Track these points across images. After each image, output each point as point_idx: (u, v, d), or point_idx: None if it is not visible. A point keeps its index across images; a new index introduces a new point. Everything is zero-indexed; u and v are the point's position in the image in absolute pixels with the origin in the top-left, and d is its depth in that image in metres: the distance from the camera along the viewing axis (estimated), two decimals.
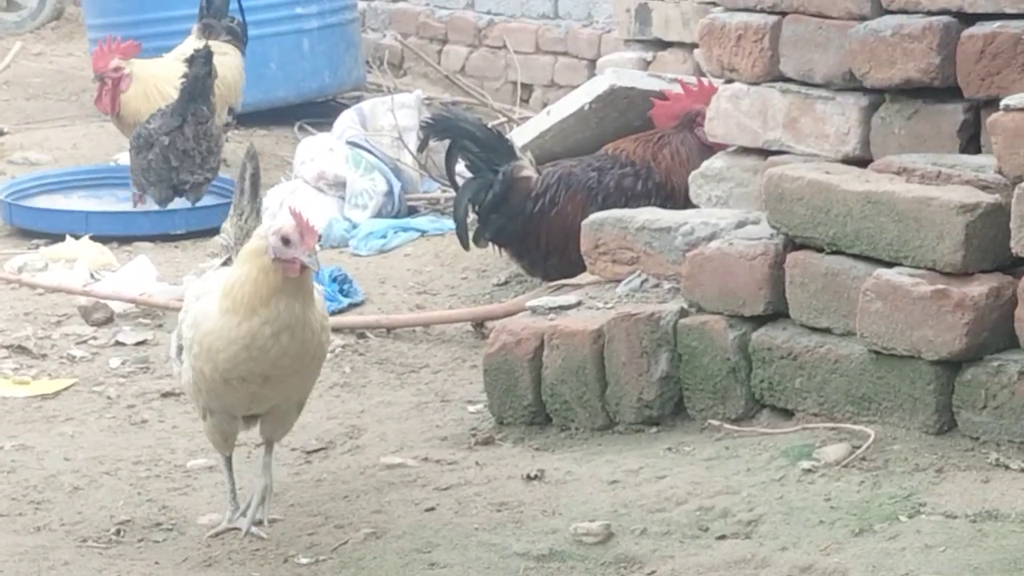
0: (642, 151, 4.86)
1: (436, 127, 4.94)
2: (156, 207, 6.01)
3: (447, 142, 4.96)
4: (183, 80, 5.97)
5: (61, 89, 7.96)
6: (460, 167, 5.00)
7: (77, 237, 5.71)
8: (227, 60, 6.37)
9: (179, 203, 6.05)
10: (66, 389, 4.48)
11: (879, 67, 3.88)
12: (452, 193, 5.25)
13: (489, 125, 6.18)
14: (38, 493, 3.78)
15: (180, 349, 3.49)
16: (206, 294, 3.42)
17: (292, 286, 3.29)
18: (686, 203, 4.44)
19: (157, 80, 6.23)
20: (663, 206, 4.45)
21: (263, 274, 3.28)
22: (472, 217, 4.93)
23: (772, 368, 3.69)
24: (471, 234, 4.90)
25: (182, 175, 5.97)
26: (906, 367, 3.48)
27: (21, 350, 4.73)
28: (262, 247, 3.29)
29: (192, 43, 6.34)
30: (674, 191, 4.77)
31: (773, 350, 3.69)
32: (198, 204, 6.06)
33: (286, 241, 3.26)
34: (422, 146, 5.29)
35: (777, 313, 3.73)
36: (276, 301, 3.28)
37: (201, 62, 5.96)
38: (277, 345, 3.29)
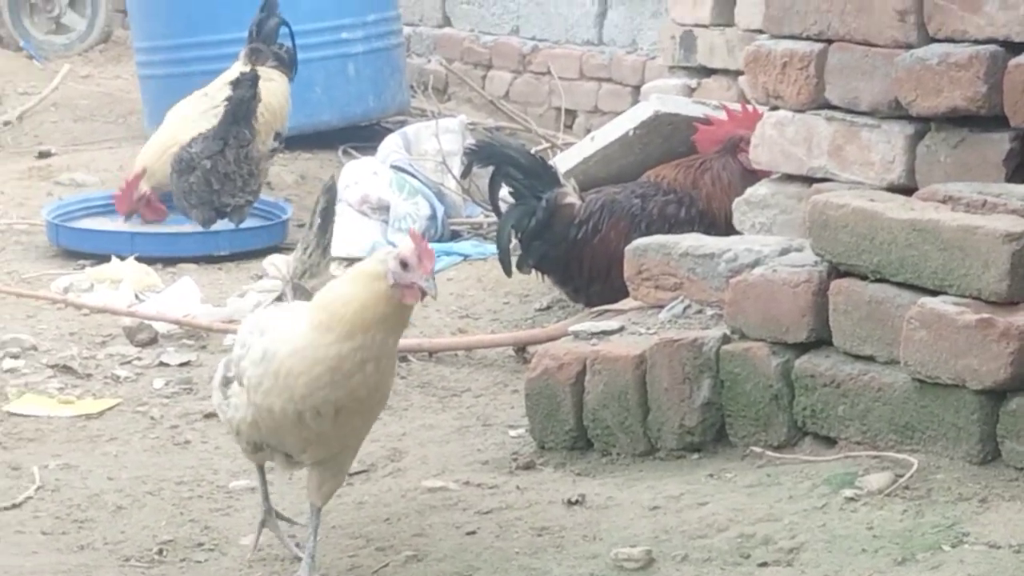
0: (683, 177, 4.86)
1: (480, 154, 4.96)
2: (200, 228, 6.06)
3: (491, 168, 4.97)
4: (226, 103, 6.01)
5: (108, 111, 8.02)
6: (503, 193, 5.01)
7: (122, 258, 5.75)
8: (273, 86, 6.40)
9: (222, 224, 6.08)
10: (110, 409, 4.51)
11: (925, 95, 3.87)
12: (495, 218, 5.26)
13: (532, 151, 6.20)
14: (82, 512, 3.80)
15: (227, 380, 3.40)
16: (274, 328, 3.29)
17: (396, 318, 3.20)
18: (729, 229, 4.43)
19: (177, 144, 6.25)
20: (706, 233, 4.44)
21: (375, 299, 3.18)
22: (515, 243, 4.94)
23: (815, 395, 3.68)
24: (514, 260, 4.90)
25: (223, 198, 6.01)
26: (950, 396, 3.47)
27: (66, 370, 4.76)
28: (380, 271, 3.19)
29: (238, 68, 6.37)
30: (717, 218, 4.77)
31: (816, 377, 3.68)
32: (242, 226, 6.10)
33: (404, 265, 3.17)
34: (466, 172, 5.31)
35: (820, 340, 3.72)
36: (375, 331, 3.18)
37: (247, 85, 6.01)
38: (360, 373, 3.20)
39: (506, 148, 4.94)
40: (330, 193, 3.52)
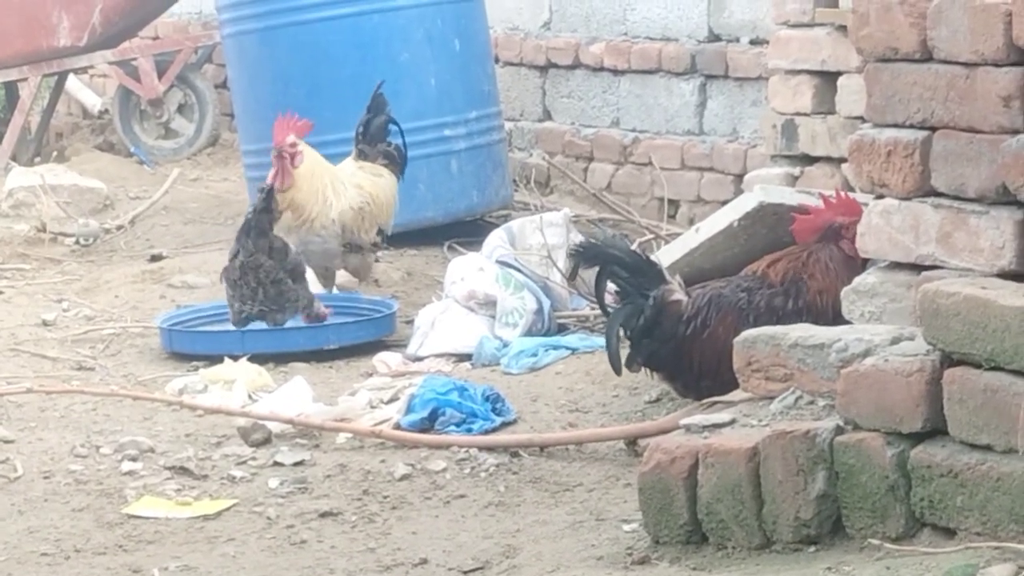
0: (787, 268, 4.85)
1: (585, 254, 4.98)
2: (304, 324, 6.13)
3: (596, 269, 4.99)
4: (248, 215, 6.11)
5: (217, 213, 8.16)
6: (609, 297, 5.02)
7: (235, 358, 5.83)
8: (381, 182, 6.54)
9: (330, 319, 6.16)
10: (227, 510, 4.56)
11: None
12: (601, 311, 5.27)
13: (636, 243, 6.21)
14: None
15: None
16: None
17: None
18: (836, 319, 4.42)
19: (324, 172, 6.35)
20: (815, 323, 4.43)
21: None
22: (623, 341, 4.95)
23: (932, 486, 3.65)
24: (623, 359, 4.91)
25: (235, 303, 6.07)
26: None
27: (183, 471, 4.83)
28: None
29: (349, 165, 6.52)
30: (825, 309, 4.76)
31: (932, 468, 3.65)
32: (350, 320, 6.17)
33: None
34: (572, 275, 5.34)
35: (935, 430, 3.69)
36: None
37: (262, 200, 6.11)
38: None
39: (610, 248, 4.96)
40: None
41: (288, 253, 6.17)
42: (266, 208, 6.12)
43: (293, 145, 6.33)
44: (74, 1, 8.95)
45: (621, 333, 4.87)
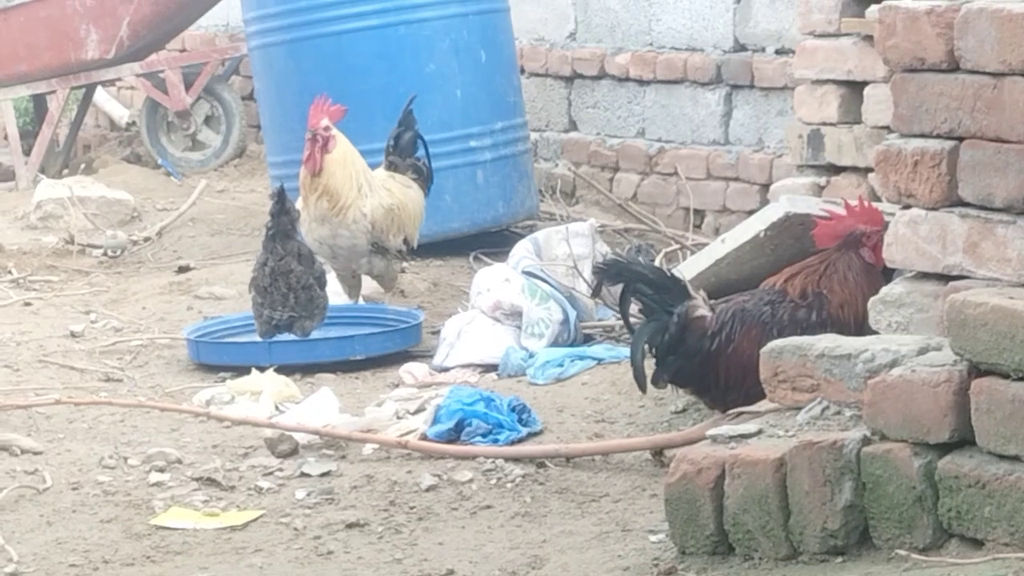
0: (807, 281, 4.84)
1: (609, 272, 4.98)
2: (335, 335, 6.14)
3: (620, 286, 4.99)
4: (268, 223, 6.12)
5: (244, 224, 8.19)
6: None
7: (262, 369, 5.85)
8: (410, 192, 6.59)
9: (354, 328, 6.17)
10: (254, 521, 4.57)
11: None
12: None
13: (661, 255, 6.19)
14: None
15: None
16: None
17: None
18: (859, 331, 4.41)
19: (357, 161, 6.38)
20: (839, 334, 4.42)
21: None
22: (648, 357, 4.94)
23: (960, 497, 3.64)
24: (649, 376, 4.91)
25: (264, 310, 6.07)
26: None
27: (210, 482, 4.84)
28: None
29: (381, 173, 6.54)
30: (848, 320, 4.75)
31: (960, 478, 3.64)
32: (376, 331, 6.17)
33: None
34: (596, 291, 5.34)
35: (963, 440, 3.68)
36: None
37: (275, 202, 6.10)
38: None
39: (634, 265, 4.96)
40: None
41: (314, 260, 6.19)
42: (282, 210, 6.14)
43: (327, 128, 6.35)
44: (102, 14, 9.00)
45: (646, 350, 4.87)
